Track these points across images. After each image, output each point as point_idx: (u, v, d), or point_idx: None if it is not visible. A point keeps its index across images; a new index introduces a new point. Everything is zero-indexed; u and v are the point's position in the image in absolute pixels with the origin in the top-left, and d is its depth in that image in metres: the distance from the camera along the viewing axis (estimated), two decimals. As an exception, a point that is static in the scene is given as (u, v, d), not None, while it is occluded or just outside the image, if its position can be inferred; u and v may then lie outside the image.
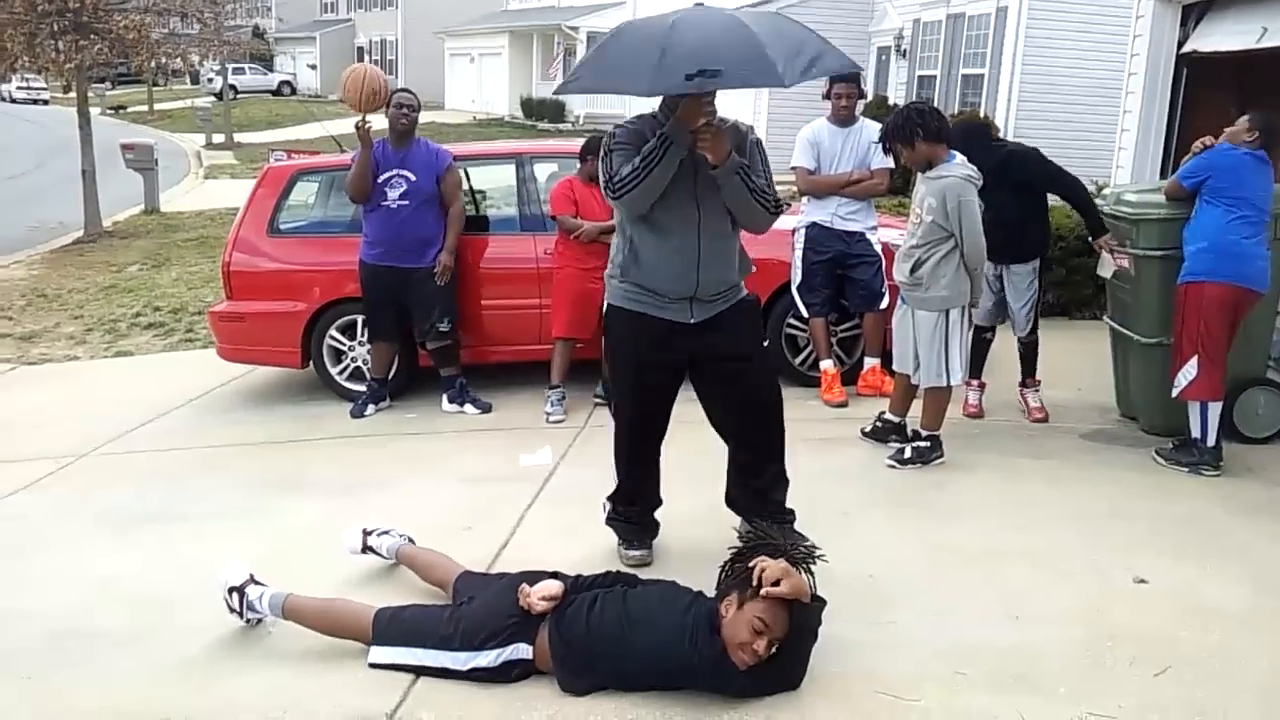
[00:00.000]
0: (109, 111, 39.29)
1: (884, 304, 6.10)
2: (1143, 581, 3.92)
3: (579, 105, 31.42)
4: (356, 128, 5.90)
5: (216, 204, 17.24)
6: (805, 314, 6.29)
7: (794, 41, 3.54)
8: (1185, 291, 5.00)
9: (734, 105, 19.46)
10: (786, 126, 10.33)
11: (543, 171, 6.98)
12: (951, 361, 5.08)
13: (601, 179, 3.80)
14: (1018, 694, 3.19)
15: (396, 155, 6.09)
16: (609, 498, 4.22)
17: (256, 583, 3.70)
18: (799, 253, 6.26)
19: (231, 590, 3.68)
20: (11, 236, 14.84)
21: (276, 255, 6.64)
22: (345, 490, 5.12)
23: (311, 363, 6.66)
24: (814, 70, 3.52)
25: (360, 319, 6.47)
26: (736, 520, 4.26)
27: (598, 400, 6.22)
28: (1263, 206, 4.92)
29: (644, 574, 3.69)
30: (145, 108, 41.02)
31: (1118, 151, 8.52)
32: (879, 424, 5.51)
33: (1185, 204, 5.08)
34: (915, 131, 4.94)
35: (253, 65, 48.49)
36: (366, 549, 4.13)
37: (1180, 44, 7.80)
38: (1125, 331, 5.61)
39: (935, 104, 5.79)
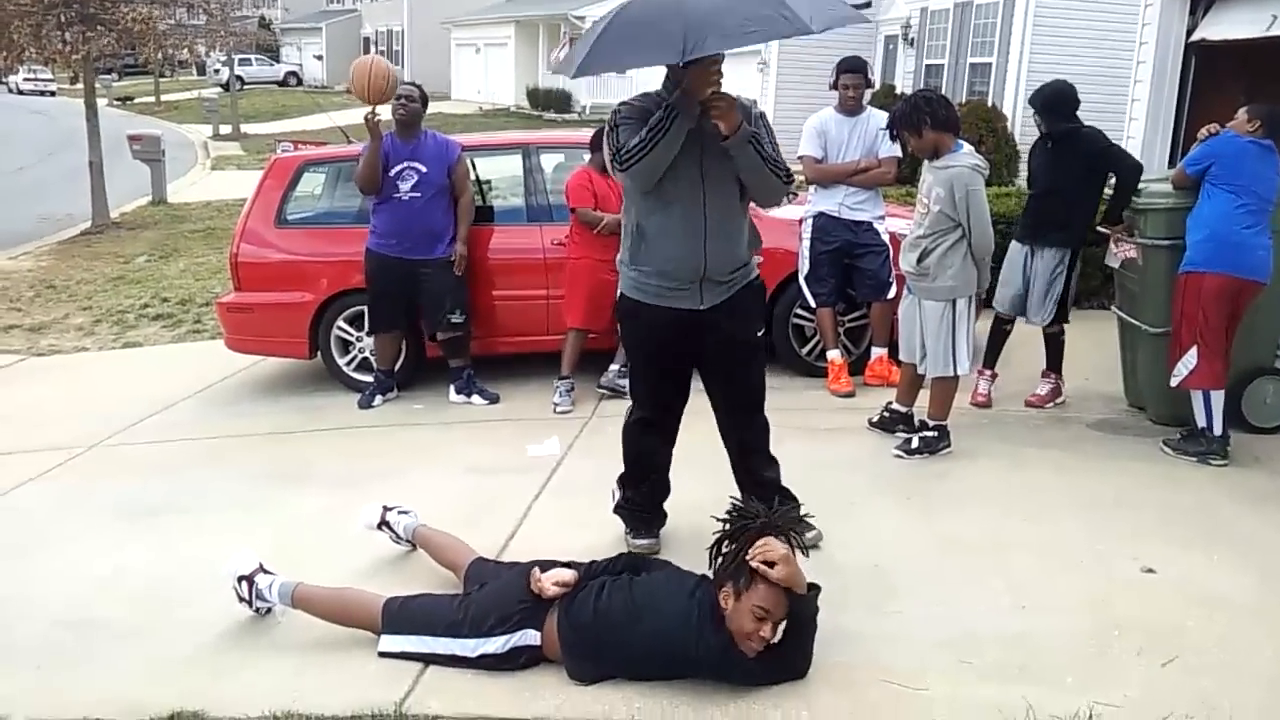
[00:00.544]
0: (116, 103, 39.32)
1: (891, 294, 6.09)
2: (1150, 571, 3.91)
3: (585, 95, 31.40)
4: (365, 119, 5.90)
5: (223, 195, 17.27)
6: (812, 304, 6.29)
7: None
8: (1185, 281, 4.98)
9: (741, 94, 19.42)
10: (793, 116, 10.31)
11: (550, 162, 6.98)
12: (959, 351, 5.07)
13: (608, 154, 3.80)
14: (1024, 683, 3.19)
15: (406, 147, 6.09)
16: (619, 481, 4.24)
17: (266, 571, 3.72)
18: (806, 242, 6.26)
19: (241, 579, 3.71)
20: (20, 228, 14.87)
21: (284, 246, 6.65)
22: (353, 481, 5.13)
23: (319, 353, 6.67)
24: (836, 20, 3.55)
25: (367, 310, 6.47)
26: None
27: (602, 392, 6.22)
28: (1266, 196, 4.89)
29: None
30: (152, 99, 41.07)
31: (1126, 140, 8.49)
32: (886, 414, 5.51)
33: (1191, 193, 5.06)
34: (923, 119, 4.93)
35: (259, 56, 48.49)
36: (383, 524, 4.16)
37: (1189, 32, 7.78)
38: (1133, 321, 5.60)
39: (943, 93, 5.76)
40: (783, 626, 3.17)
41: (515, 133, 10.72)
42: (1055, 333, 5.86)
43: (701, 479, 4.37)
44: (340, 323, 6.59)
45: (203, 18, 19.79)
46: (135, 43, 15.86)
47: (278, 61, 52.08)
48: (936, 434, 5.17)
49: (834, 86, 6.26)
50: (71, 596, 4.08)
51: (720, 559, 3.28)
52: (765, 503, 4.15)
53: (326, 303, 6.53)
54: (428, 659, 3.39)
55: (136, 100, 41.84)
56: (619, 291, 4.01)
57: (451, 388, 6.39)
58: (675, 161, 3.66)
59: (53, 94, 46.44)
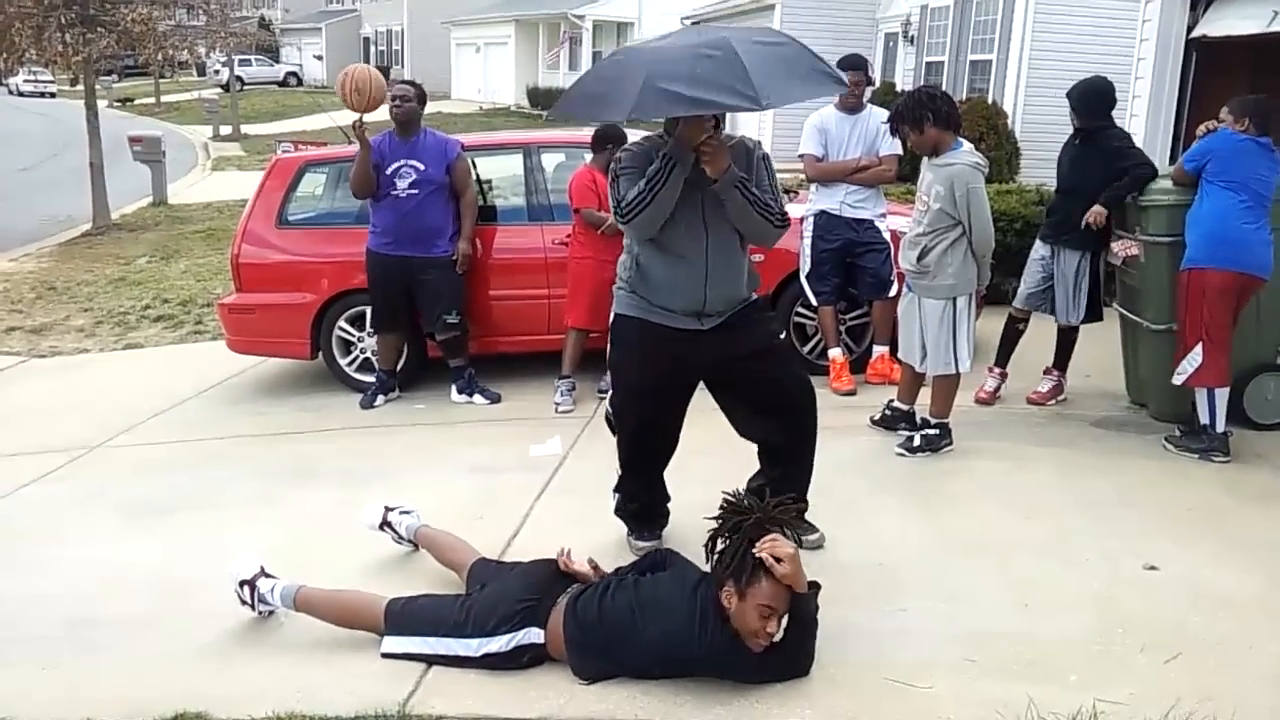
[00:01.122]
0: (116, 104, 39.34)
1: (893, 292, 6.08)
2: (1153, 568, 3.91)
3: (585, 95, 31.23)
4: (353, 127, 5.90)
5: (224, 196, 17.27)
6: (814, 302, 6.29)
7: (782, 66, 3.51)
8: (1187, 279, 4.98)
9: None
10: (794, 115, 10.31)
11: (550, 161, 6.97)
12: (959, 349, 5.07)
13: (611, 205, 3.81)
14: (1028, 681, 3.19)
15: (404, 146, 6.09)
16: (615, 489, 4.24)
17: (267, 575, 3.72)
18: (807, 241, 6.26)
19: (243, 583, 3.71)
20: (21, 230, 14.87)
21: (285, 247, 6.66)
22: (355, 481, 5.13)
23: (321, 354, 6.68)
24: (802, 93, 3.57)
25: (369, 310, 6.47)
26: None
27: (602, 395, 6.21)
28: (1264, 193, 4.89)
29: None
30: (152, 100, 41.07)
31: (1127, 137, 8.48)
32: (888, 412, 5.51)
33: (1192, 190, 5.07)
34: (926, 115, 4.92)
35: (259, 57, 48.51)
36: (385, 525, 4.16)
37: (1190, 28, 7.77)
38: (1134, 318, 5.60)
39: (945, 90, 5.75)
40: (784, 623, 3.17)
41: (516, 132, 10.70)
42: (1070, 330, 5.85)
43: (705, 480, 4.36)
44: (342, 323, 6.59)
45: (202, 18, 19.82)
46: (135, 44, 15.85)
47: (278, 62, 52.09)
48: (938, 432, 5.16)
49: (835, 84, 6.24)
50: (75, 596, 4.08)
51: (717, 556, 3.26)
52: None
53: (328, 303, 6.53)
54: (431, 659, 3.39)
55: (137, 101, 41.86)
56: (614, 312, 3.98)
57: (453, 388, 6.39)
58: (677, 208, 3.66)
59: (53, 95, 46.45)
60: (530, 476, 5.07)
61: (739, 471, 4.21)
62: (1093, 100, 5.60)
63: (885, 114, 6.11)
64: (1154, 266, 5.36)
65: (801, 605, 3.19)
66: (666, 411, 4.00)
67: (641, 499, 4.19)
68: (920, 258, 5.04)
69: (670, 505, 4.28)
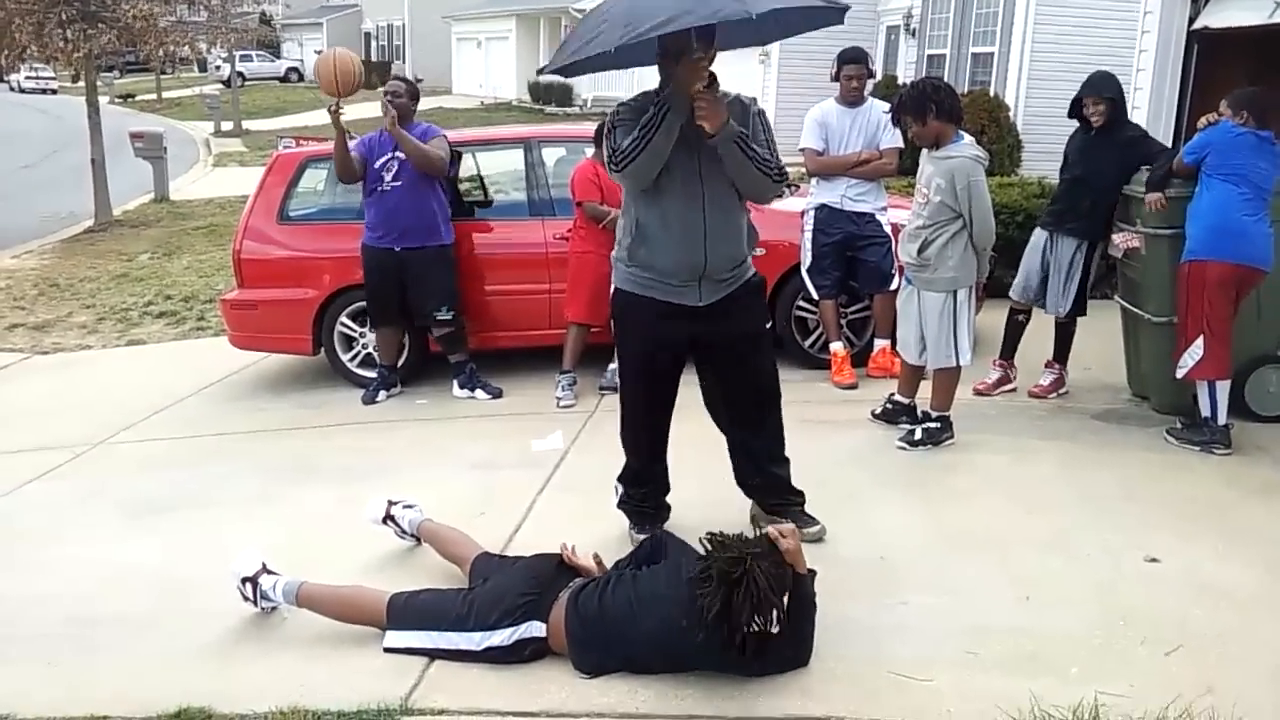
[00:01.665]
0: (117, 100, 39.35)
1: (894, 285, 6.08)
2: (1154, 561, 3.91)
3: (586, 89, 31.35)
4: (329, 111, 5.91)
5: (226, 192, 17.27)
6: (815, 296, 6.29)
7: None
8: (1188, 271, 4.98)
9: (741, 87, 19.40)
10: (795, 108, 10.31)
11: (551, 156, 6.97)
12: (960, 342, 5.06)
13: (605, 156, 3.80)
14: (1029, 675, 3.19)
15: (391, 140, 6.09)
16: (619, 479, 4.24)
17: (269, 572, 3.73)
18: (808, 235, 6.25)
19: (245, 580, 3.72)
20: (23, 226, 14.89)
21: (287, 242, 6.66)
22: (358, 476, 5.14)
23: (323, 349, 6.68)
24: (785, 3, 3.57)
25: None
26: (748, 502, 4.28)
27: (604, 390, 6.21)
28: (1264, 185, 4.88)
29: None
30: (153, 96, 41.09)
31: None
32: (889, 406, 5.51)
33: (1193, 182, 5.06)
34: (929, 106, 4.91)
35: (260, 52, 48.43)
36: (388, 519, 4.17)
37: (1191, 20, 7.76)
38: (1135, 310, 5.59)
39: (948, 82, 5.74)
40: (784, 615, 3.16)
41: (516, 127, 10.70)
42: (1067, 323, 5.85)
43: (706, 472, 4.38)
44: (343, 318, 6.59)
45: (204, 14, 19.81)
46: (136, 40, 15.85)
47: (279, 57, 52.04)
48: (939, 425, 5.16)
49: (835, 78, 6.25)
50: (76, 594, 4.09)
51: (712, 608, 3.09)
52: (768, 496, 4.20)
53: (330, 298, 6.54)
54: (433, 654, 3.40)
55: (138, 97, 41.86)
56: (614, 287, 4.00)
57: (455, 383, 6.39)
58: (672, 161, 3.66)
59: (54, 92, 46.45)
60: (532, 471, 5.07)
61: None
62: (1108, 89, 5.58)
63: (886, 107, 6.12)
64: (1155, 259, 5.35)
65: (801, 587, 3.20)
66: (668, 382, 4.02)
67: (645, 484, 4.20)
68: (920, 250, 5.03)
69: (670, 499, 4.28)
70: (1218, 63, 7.71)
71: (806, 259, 6.27)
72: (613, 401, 5.79)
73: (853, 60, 6.14)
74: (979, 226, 4.93)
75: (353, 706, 3.18)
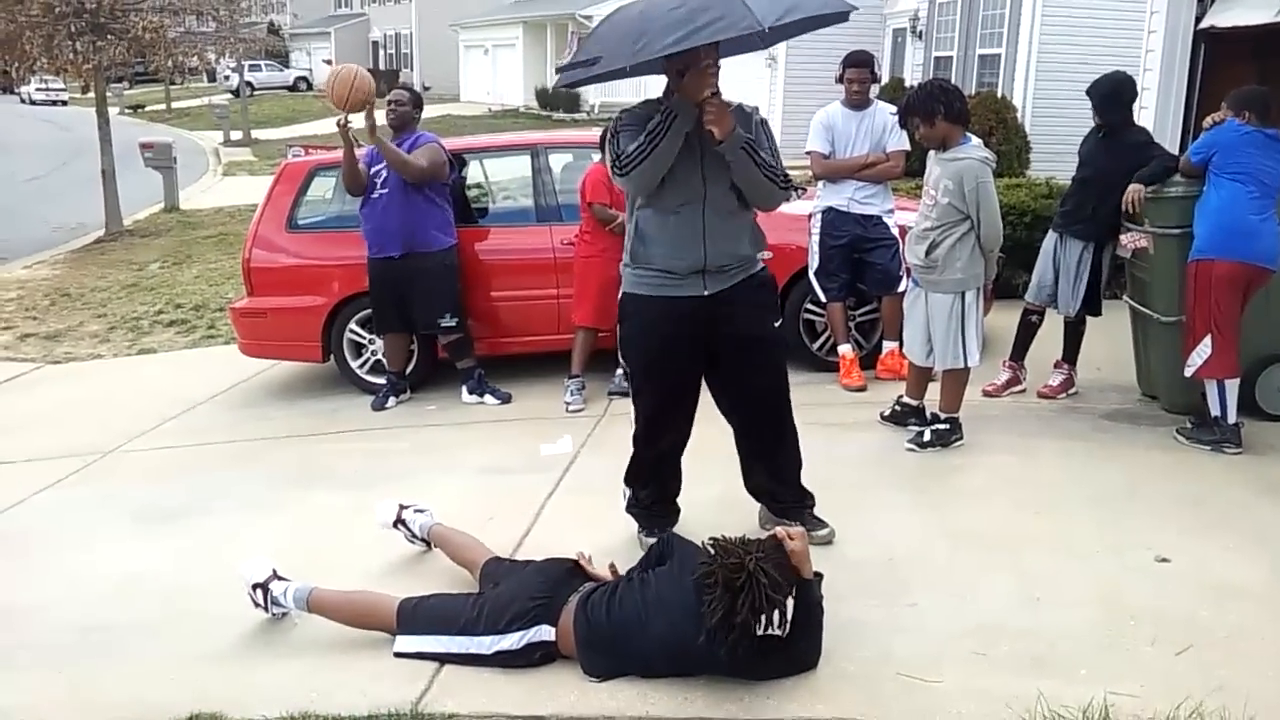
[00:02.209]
0: (127, 111, 39.53)
1: (902, 287, 6.08)
2: (1164, 561, 3.91)
3: (594, 95, 31.42)
4: (338, 125, 5.93)
5: (235, 201, 17.33)
6: (823, 299, 6.29)
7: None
8: (1195, 269, 4.97)
9: (748, 90, 19.42)
10: (801, 111, 10.31)
11: (558, 162, 6.99)
12: (969, 343, 5.06)
13: (609, 161, 3.82)
14: (1038, 675, 3.19)
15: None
16: (626, 482, 4.24)
17: (279, 578, 3.75)
18: (816, 238, 6.25)
19: (255, 586, 3.73)
20: (34, 237, 14.98)
21: (296, 251, 6.69)
22: (368, 483, 5.15)
23: (332, 357, 6.71)
24: (794, 13, 3.56)
25: (374, 313, 6.50)
26: (756, 505, 4.29)
27: (612, 394, 6.22)
28: (1271, 183, 4.87)
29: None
30: (163, 106, 41.25)
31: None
32: (897, 407, 5.51)
33: (1200, 182, 5.05)
34: (937, 108, 4.91)
35: (269, 62, 48.64)
36: (399, 522, 4.18)
37: (1198, 19, 7.73)
38: (1144, 310, 5.58)
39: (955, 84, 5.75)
40: (789, 618, 3.16)
41: (523, 133, 10.74)
42: (1076, 323, 5.84)
43: (715, 474, 4.38)
44: (353, 325, 6.62)
45: (212, 25, 19.90)
46: (146, 51, 15.94)
47: (287, 67, 52.24)
48: (948, 426, 5.16)
49: (841, 81, 6.25)
50: (91, 600, 4.12)
51: (716, 613, 3.09)
52: (777, 497, 4.20)
53: (339, 306, 6.57)
54: (443, 658, 3.41)
55: (148, 108, 42.04)
56: (621, 291, 4.00)
57: (464, 388, 6.41)
58: (675, 166, 3.68)
59: (64, 104, 46.67)
60: (541, 476, 5.08)
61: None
62: (1121, 95, 5.60)
63: (892, 109, 6.12)
64: (1163, 258, 5.34)
65: (808, 590, 3.20)
66: (682, 381, 4.00)
67: (654, 487, 4.19)
68: (928, 252, 5.03)
69: (680, 501, 4.28)
70: (1225, 62, 7.68)
71: (814, 262, 6.27)
72: (621, 405, 5.82)
73: (857, 64, 6.15)
74: (987, 228, 4.93)
75: (364, 711, 3.20)
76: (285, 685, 3.38)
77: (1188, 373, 5.02)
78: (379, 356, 6.62)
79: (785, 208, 5.14)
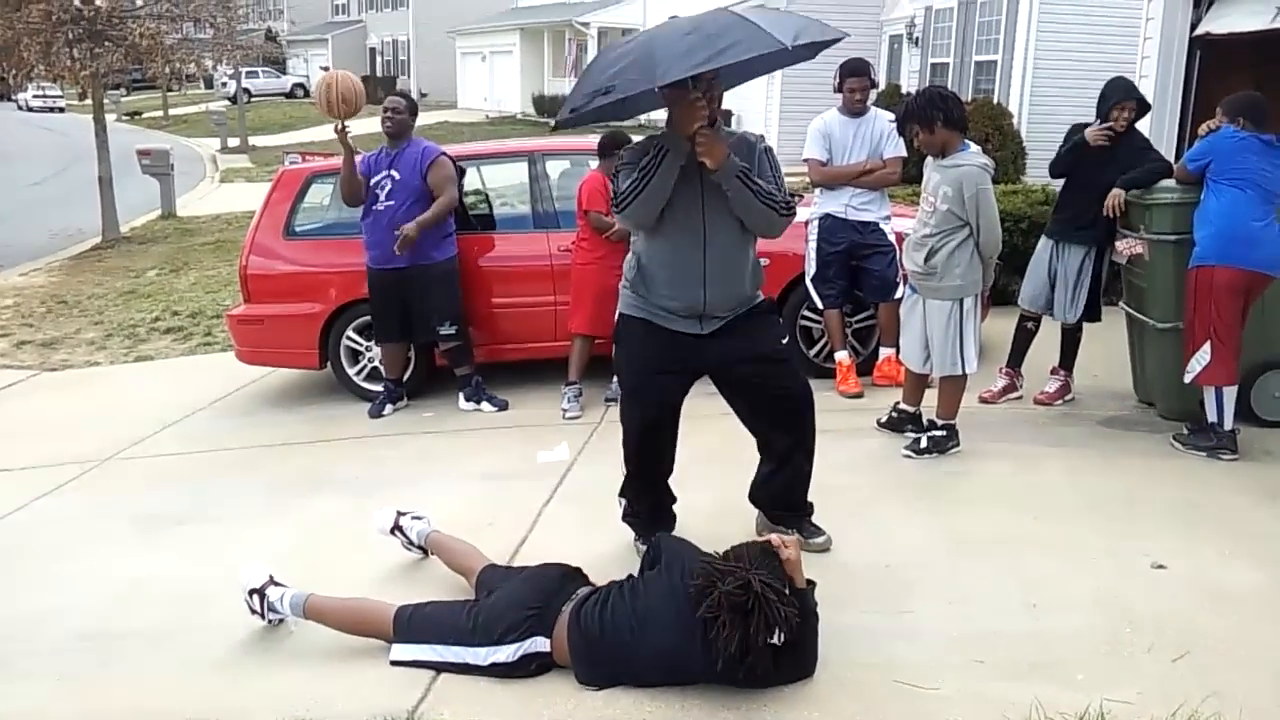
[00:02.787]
0: (124, 118, 39.57)
1: (899, 294, 6.08)
2: (1161, 567, 3.91)
3: (591, 101, 31.34)
4: (336, 131, 5.92)
5: (233, 208, 17.35)
6: (820, 305, 6.30)
7: (776, 20, 3.59)
8: (1195, 276, 4.97)
9: (746, 99, 19.45)
10: (799, 119, 10.33)
11: (555, 169, 7.00)
12: (967, 350, 5.06)
13: (610, 201, 3.83)
14: (1036, 681, 3.19)
15: (388, 157, 6.13)
16: (621, 493, 4.25)
17: (276, 584, 3.75)
18: (813, 244, 6.26)
19: (252, 592, 3.73)
20: (32, 244, 14.97)
21: (293, 258, 6.70)
22: (365, 490, 5.16)
23: (329, 364, 6.71)
24: (805, 37, 3.56)
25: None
26: (754, 512, 4.29)
27: (609, 401, 6.22)
28: (1271, 189, 4.88)
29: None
30: (160, 113, 41.28)
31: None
32: (894, 414, 5.51)
33: (1196, 188, 5.06)
34: (936, 115, 4.92)
35: (266, 68, 48.71)
36: (396, 529, 4.18)
37: (1193, 26, 7.76)
38: (1140, 317, 5.59)
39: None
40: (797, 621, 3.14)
41: (520, 140, 10.74)
42: (1073, 330, 5.85)
43: (711, 481, 4.39)
44: (350, 333, 6.62)
45: (209, 31, 19.87)
46: (143, 58, 15.94)
47: (284, 73, 52.28)
48: (945, 433, 5.17)
49: (838, 89, 6.26)
50: (89, 608, 4.12)
51: (730, 643, 3.07)
52: (778, 509, 4.20)
53: (336, 313, 6.57)
54: (439, 667, 3.41)
55: (145, 115, 42.07)
56: (618, 311, 4.00)
57: (461, 395, 6.41)
58: (676, 202, 3.67)
59: (62, 110, 46.69)
60: (538, 483, 5.08)
61: (744, 476, 4.24)
62: (1136, 94, 5.61)
63: (889, 116, 6.14)
64: (1159, 265, 5.35)
65: (802, 599, 3.20)
66: (667, 410, 4.00)
67: (647, 500, 4.20)
68: (927, 259, 5.03)
69: (677, 508, 4.28)
70: (1220, 68, 7.70)
71: (811, 268, 6.28)
72: (617, 413, 5.82)
73: (855, 72, 6.16)
74: (986, 235, 4.94)
75: (361, 718, 3.19)
76: (284, 693, 3.37)
77: (1187, 379, 5.03)
78: (376, 364, 6.62)
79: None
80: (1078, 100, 13.60)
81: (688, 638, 3.15)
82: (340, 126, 5.87)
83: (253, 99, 42.04)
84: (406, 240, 5.91)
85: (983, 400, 5.85)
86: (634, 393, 4.02)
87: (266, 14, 54.87)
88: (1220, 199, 4.92)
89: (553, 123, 3.76)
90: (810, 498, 4.23)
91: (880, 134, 6.19)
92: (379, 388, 6.51)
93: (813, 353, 6.54)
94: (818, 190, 6.39)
